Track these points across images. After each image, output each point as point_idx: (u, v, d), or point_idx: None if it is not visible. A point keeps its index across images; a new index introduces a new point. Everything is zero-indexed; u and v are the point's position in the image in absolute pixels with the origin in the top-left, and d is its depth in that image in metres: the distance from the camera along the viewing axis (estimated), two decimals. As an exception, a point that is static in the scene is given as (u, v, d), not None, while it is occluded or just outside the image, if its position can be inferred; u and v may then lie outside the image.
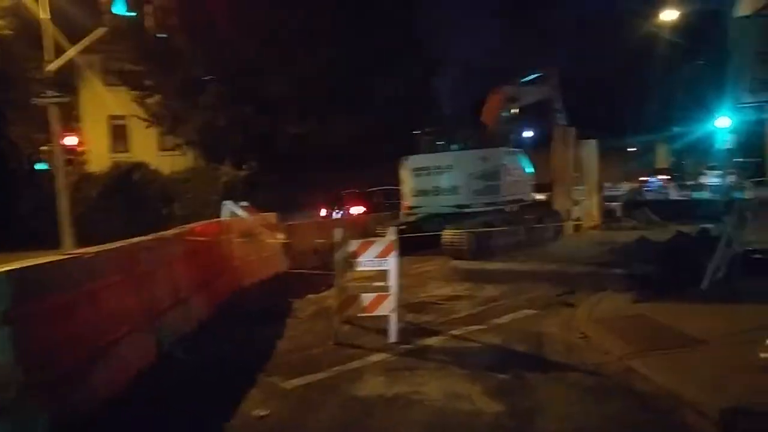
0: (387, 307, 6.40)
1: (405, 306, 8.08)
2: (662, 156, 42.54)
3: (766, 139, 8.18)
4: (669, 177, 29.35)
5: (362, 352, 6.01)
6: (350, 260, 6.52)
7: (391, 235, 6.71)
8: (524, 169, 14.34)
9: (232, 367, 5.69)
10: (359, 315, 6.56)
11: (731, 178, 26.39)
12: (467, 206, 13.05)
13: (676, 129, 37.30)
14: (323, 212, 15.90)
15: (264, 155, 22.48)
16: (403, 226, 13.84)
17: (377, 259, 6.60)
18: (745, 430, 3.82)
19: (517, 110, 14.83)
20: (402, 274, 10.86)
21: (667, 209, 16.40)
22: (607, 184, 18.63)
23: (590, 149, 17.12)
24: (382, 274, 6.63)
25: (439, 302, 8.39)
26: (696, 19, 24.86)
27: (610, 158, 39.77)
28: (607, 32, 41.50)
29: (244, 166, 21.98)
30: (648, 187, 24.97)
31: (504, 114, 14.51)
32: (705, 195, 16.44)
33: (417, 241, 12.97)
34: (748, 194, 17.09)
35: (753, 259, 8.20)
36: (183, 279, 6.84)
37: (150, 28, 12.73)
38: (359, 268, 6.53)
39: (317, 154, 23.36)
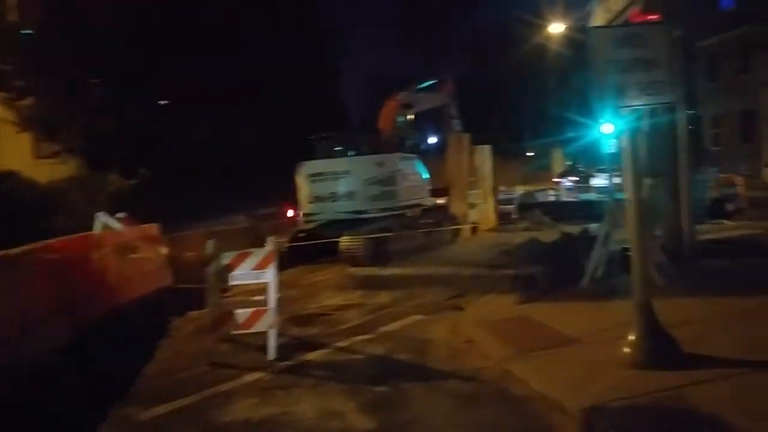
0: (265, 323, 6.06)
1: (292, 319, 7.79)
2: (558, 160, 44.74)
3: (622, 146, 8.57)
4: (577, 179, 30.83)
5: (236, 372, 5.64)
6: (225, 274, 6.12)
7: (269, 245, 6.38)
8: (421, 175, 14.44)
9: (84, 399, 5.12)
10: (236, 332, 6.17)
11: (616, 180, 28.25)
12: (364, 212, 12.91)
13: (570, 134, 39.45)
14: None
15: (162, 162, 21.33)
16: (302, 234, 13.56)
17: (255, 271, 6.25)
18: (605, 428, 3.85)
19: (413, 116, 14.90)
20: (294, 284, 10.83)
21: (557, 211, 17.13)
22: (502, 188, 19.18)
23: (484, 154, 17.55)
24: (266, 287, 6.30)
25: (329, 313, 8.15)
26: (581, 32, 26.42)
27: (507, 163, 41.56)
28: (503, 42, 43.29)
29: (141, 172, 20.68)
30: (563, 187, 25.88)
31: (400, 120, 14.54)
32: (592, 196, 17.28)
33: (316, 249, 12.78)
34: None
35: (629, 256, 8.59)
36: (35, 302, 6.14)
37: (14, 22, 11.56)
38: (234, 282, 6.15)
39: (223, 160, 22.53)
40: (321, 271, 11.89)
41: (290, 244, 13.11)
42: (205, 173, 21.95)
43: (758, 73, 27.82)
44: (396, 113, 14.55)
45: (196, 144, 22.17)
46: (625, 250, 9.14)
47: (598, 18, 4.98)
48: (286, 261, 12.93)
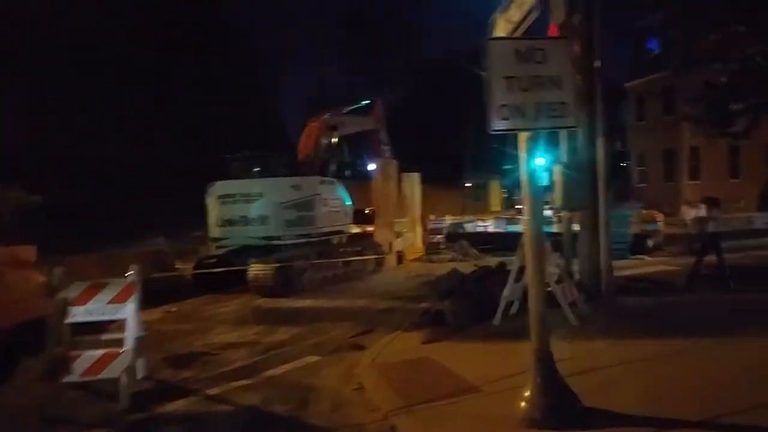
0: (118, 367, 5.13)
1: (167, 359, 6.83)
2: (495, 191, 45.13)
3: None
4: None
5: (71, 429, 4.67)
6: (68, 308, 5.17)
7: (131, 275, 5.48)
8: (343, 200, 13.76)
9: None
10: (81, 379, 5.19)
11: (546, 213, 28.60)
12: (278, 238, 12.08)
13: (506, 166, 39.88)
14: None
15: (76, 179, 19.83)
16: (211, 260, 12.55)
17: (111, 305, 5.32)
18: None
19: (337, 139, 14.28)
20: (191, 317, 9.81)
21: (485, 241, 16.81)
22: (432, 217, 18.76)
23: (413, 182, 17.14)
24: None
25: (214, 352, 7.22)
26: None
27: (446, 192, 41.57)
28: (443, 71, 43.64)
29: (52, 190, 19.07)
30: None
31: (323, 142, 13.89)
32: (519, 228, 17.02)
33: (226, 277, 11.83)
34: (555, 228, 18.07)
35: (549, 291, 8.15)
36: None
37: None
38: (77, 319, 5.20)
39: (142, 179, 21.17)
40: (226, 302, 10.92)
41: (195, 272, 12.09)
42: (134, 192, 20.62)
43: (680, 115, 28.97)
44: (319, 135, 13.89)
45: (124, 162, 20.81)
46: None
47: (500, 29, 4.46)
48: (190, 289, 11.96)
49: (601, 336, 6.61)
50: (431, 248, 17.81)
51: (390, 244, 15.33)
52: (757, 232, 15.16)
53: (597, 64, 8.61)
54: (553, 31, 8.25)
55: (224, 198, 12.24)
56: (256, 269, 11.25)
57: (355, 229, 14.22)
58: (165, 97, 22.35)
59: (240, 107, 24.60)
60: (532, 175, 4.38)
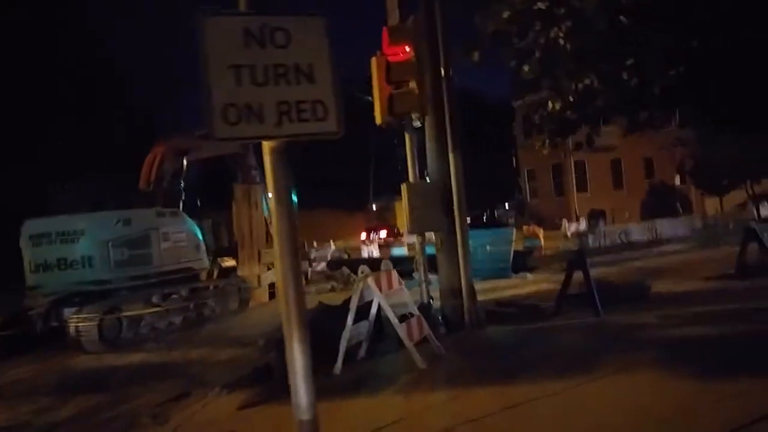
0: None
1: None
2: (400, 210, 44.57)
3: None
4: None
5: None
6: None
7: None
8: (193, 233, 12.12)
9: None
10: None
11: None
12: (107, 282, 10.27)
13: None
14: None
15: None
16: (31, 312, 10.50)
17: None
18: None
19: (185, 165, 12.67)
20: None
21: (369, 267, 15.69)
22: (314, 244, 17.51)
23: (285, 207, 15.79)
24: None
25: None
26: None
27: (345, 217, 40.54)
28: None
29: None
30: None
31: (169, 168, 12.27)
32: (403, 252, 16.13)
33: (42, 334, 9.91)
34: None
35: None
36: None
37: None
38: None
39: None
40: (28, 364, 8.98)
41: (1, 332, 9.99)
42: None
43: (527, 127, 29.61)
44: (163, 161, 12.25)
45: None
46: (404, 317, 7.70)
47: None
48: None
49: (449, 383, 5.53)
50: (315, 278, 16.51)
51: (258, 278, 13.82)
52: (635, 244, 15.01)
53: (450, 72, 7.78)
54: (385, 35, 7.33)
55: (38, 238, 10.28)
56: (75, 321, 9.42)
57: (207, 265, 12.56)
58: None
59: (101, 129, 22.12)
60: (284, 197, 3.20)
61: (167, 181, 12.36)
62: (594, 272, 12.55)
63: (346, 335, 6.40)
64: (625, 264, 13.69)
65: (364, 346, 6.91)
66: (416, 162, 7.72)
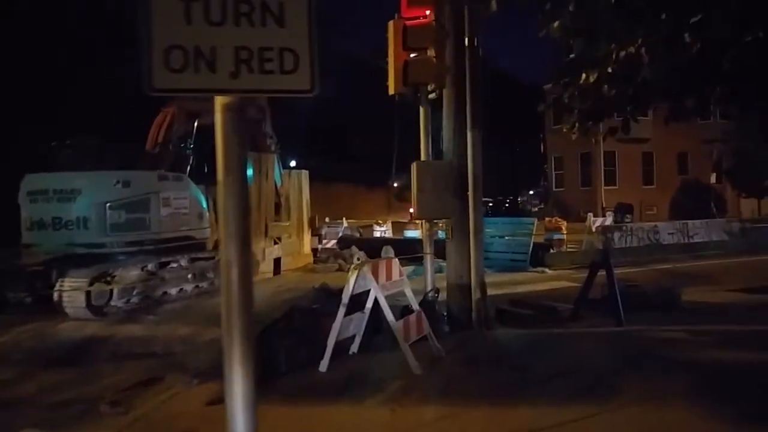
0: None
1: None
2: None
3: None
4: None
5: None
6: None
7: None
8: (196, 201, 11.54)
9: None
10: None
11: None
12: (101, 245, 9.79)
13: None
14: None
15: None
16: (21, 270, 10.08)
17: None
18: None
19: (196, 129, 12.05)
20: None
21: (378, 248, 15.02)
22: (328, 220, 16.88)
23: (297, 180, 15.16)
24: None
25: None
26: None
27: (370, 192, 39.71)
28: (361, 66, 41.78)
29: None
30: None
31: (178, 131, 11.67)
32: (416, 234, 15.39)
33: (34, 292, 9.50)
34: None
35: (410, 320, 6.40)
36: None
37: None
38: None
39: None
40: (13, 327, 8.53)
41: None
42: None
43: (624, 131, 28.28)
44: (173, 123, 11.67)
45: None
46: (406, 310, 7.04)
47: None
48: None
49: (442, 396, 4.85)
50: (324, 256, 15.92)
51: (263, 251, 13.27)
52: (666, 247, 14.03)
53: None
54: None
55: (35, 194, 9.82)
56: (61, 285, 8.96)
57: (209, 235, 11.99)
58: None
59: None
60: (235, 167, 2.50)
61: (175, 144, 11.80)
62: (618, 273, 11.80)
63: (335, 330, 5.75)
64: (653, 266, 12.78)
65: (358, 340, 6.29)
66: (429, 140, 6.95)
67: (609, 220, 18.34)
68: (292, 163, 45.30)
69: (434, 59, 6.24)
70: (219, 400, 5.17)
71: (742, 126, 22.24)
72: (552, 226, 14.33)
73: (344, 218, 17.49)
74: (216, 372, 5.78)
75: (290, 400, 5.07)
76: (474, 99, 6.95)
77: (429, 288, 7.03)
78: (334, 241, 16.36)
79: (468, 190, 7.03)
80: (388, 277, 5.92)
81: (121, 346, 7.48)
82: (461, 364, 5.71)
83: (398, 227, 18.83)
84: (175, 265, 10.96)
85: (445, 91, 7.12)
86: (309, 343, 6.18)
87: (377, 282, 5.69)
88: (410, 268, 9.78)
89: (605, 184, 28.66)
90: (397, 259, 6.15)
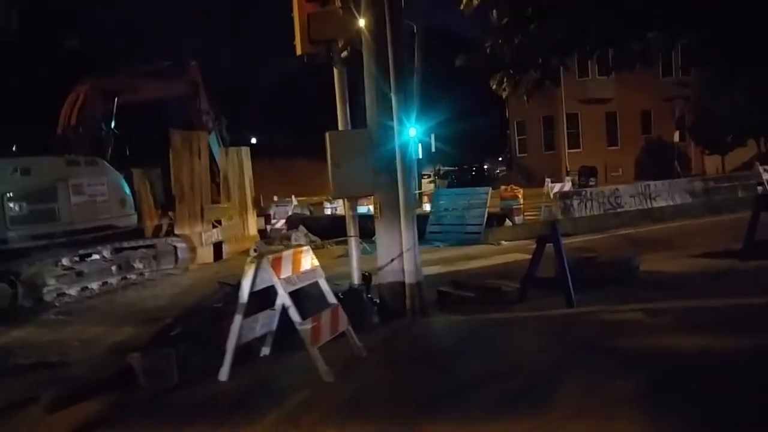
0: None
1: None
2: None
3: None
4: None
5: None
6: None
7: None
8: (117, 186, 10.44)
9: None
10: None
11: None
12: (2, 241, 8.73)
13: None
14: None
15: None
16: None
17: None
18: None
19: (113, 108, 10.88)
20: None
21: (327, 227, 14.14)
22: (275, 199, 15.89)
23: (237, 158, 14.09)
24: None
25: None
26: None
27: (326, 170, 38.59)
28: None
29: None
30: None
31: (93, 112, 10.52)
32: (366, 209, 14.51)
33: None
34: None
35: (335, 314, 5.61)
36: None
37: None
38: None
39: None
40: None
41: None
42: None
43: (556, 86, 27.50)
44: (85, 103, 10.54)
45: None
46: (339, 298, 6.23)
47: None
48: None
49: (350, 412, 4.02)
50: (274, 236, 14.95)
51: (200, 236, 12.29)
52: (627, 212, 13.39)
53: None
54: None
55: None
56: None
57: (134, 222, 10.93)
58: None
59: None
60: None
61: (92, 126, 10.69)
62: (577, 241, 11.16)
63: (234, 333, 4.88)
64: (614, 231, 12.14)
65: (270, 339, 5.45)
66: (347, 107, 6.03)
67: (567, 186, 17.67)
68: (253, 140, 43.90)
69: (341, 10, 5.26)
70: (88, 427, 4.36)
71: (700, 77, 21.71)
72: (508, 194, 13.57)
73: (293, 196, 16.47)
74: (92, 389, 4.95)
75: (169, 421, 4.24)
76: (397, 58, 6.01)
77: (355, 274, 6.20)
78: (283, 221, 15.40)
79: (396, 162, 6.16)
80: (296, 268, 5.05)
81: (8, 356, 6.52)
82: (382, 366, 4.90)
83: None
84: (96, 257, 9.98)
85: (364, 50, 6.18)
86: (210, 348, 5.34)
87: (280, 276, 4.83)
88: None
89: (569, 148, 28.04)
90: (308, 247, 5.27)
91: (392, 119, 6.08)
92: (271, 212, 16.07)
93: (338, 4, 5.23)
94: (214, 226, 12.98)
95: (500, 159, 46.29)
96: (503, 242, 11.87)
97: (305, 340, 4.70)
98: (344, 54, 5.68)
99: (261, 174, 25.94)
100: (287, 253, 4.99)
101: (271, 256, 4.83)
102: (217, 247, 13.04)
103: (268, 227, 15.63)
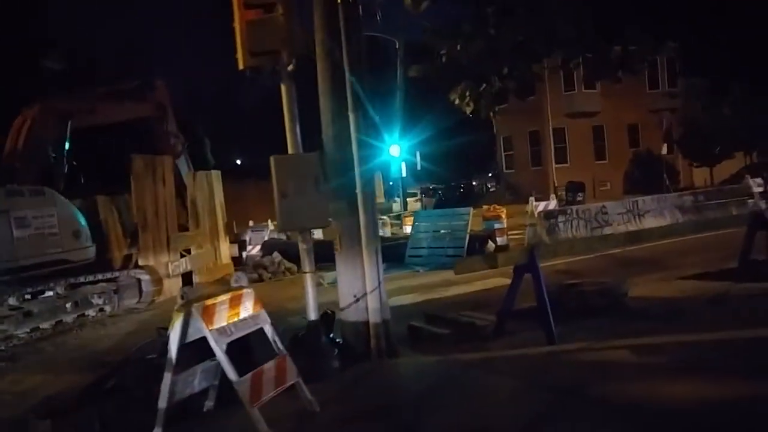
0: None
1: None
2: (378, 183, 42.66)
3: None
4: None
5: None
6: None
7: None
8: (69, 217, 9.75)
9: None
10: None
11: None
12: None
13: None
14: None
15: None
16: None
17: None
18: None
19: (66, 133, 10.26)
20: None
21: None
22: (250, 224, 15.23)
23: (207, 182, 13.45)
24: None
25: None
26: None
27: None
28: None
29: None
30: None
31: (44, 137, 9.89)
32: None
33: None
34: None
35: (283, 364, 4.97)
36: None
37: None
38: None
39: None
40: None
41: None
42: None
43: (542, 101, 27.14)
44: (38, 128, 9.92)
45: None
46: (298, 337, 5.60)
47: None
48: None
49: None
50: (249, 263, 14.28)
51: (167, 266, 11.59)
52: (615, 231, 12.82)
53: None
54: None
55: None
56: None
57: (91, 255, 10.21)
58: None
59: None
60: None
61: (43, 152, 10.05)
62: (561, 263, 10.52)
63: (164, 391, 4.21)
64: (601, 251, 11.56)
65: (213, 393, 4.78)
66: (296, 127, 5.43)
67: (552, 204, 17.12)
68: (238, 162, 43.11)
69: (282, 18, 4.70)
70: None
71: (688, 89, 21.41)
72: (490, 214, 12.97)
73: (269, 220, 15.81)
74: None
75: None
76: (355, 72, 5.46)
77: (312, 313, 5.55)
78: (258, 247, 14.73)
79: (356, 188, 5.57)
80: (233, 316, 4.40)
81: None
82: (335, 425, 4.25)
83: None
84: (49, 294, 9.29)
85: (318, 64, 5.63)
86: (144, 405, 4.66)
87: (212, 326, 4.18)
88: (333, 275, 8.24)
89: (556, 162, 27.59)
90: (250, 290, 4.63)
91: (350, 140, 5.51)
92: (247, 238, 15.39)
93: (281, 11, 4.65)
94: (182, 256, 12.28)
95: (490, 175, 45.92)
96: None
97: (243, 399, 4.05)
98: (290, 68, 5.10)
99: (246, 196, 25.24)
100: (222, 299, 4.34)
101: (201, 304, 4.17)
102: (187, 277, 12.33)
103: (244, 254, 14.95)
